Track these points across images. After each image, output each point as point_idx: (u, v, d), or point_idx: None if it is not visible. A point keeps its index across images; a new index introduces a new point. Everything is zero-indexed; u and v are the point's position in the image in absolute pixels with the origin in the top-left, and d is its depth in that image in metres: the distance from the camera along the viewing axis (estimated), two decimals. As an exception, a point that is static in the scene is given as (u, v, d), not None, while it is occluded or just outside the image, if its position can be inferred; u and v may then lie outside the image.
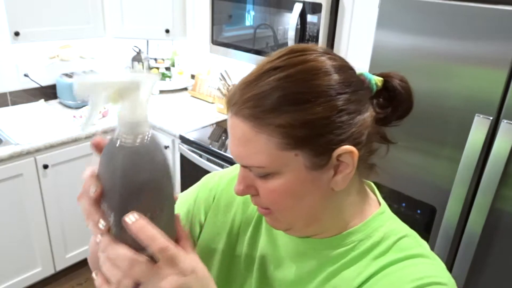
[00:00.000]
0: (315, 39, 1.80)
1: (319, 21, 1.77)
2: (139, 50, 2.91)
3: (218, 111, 2.53)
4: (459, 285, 1.28)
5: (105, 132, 2.28)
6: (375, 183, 0.67)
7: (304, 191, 0.55)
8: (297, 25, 1.80)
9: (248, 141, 0.53)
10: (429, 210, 1.31)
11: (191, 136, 2.18)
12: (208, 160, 2.06)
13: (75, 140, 2.17)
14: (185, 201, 0.76)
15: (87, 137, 2.21)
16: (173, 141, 2.30)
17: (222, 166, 1.99)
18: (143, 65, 2.93)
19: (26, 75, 2.47)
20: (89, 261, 0.65)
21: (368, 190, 0.65)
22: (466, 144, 1.18)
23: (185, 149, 2.18)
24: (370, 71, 0.58)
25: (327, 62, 0.53)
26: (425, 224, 1.34)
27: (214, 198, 0.75)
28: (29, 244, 2.16)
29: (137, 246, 0.45)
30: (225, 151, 2.02)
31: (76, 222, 2.34)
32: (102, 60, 2.82)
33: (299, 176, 0.53)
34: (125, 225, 0.44)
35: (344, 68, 0.55)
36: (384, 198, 0.66)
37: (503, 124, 1.12)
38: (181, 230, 0.51)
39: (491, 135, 1.16)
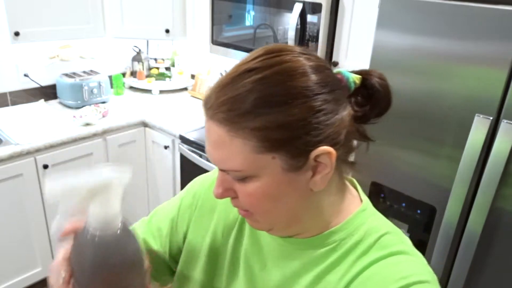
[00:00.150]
0: (315, 39, 1.80)
1: (319, 21, 1.77)
2: (139, 50, 2.91)
3: (218, 111, 2.52)
4: (459, 285, 1.28)
5: (104, 132, 2.28)
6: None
7: (283, 193, 0.55)
8: (297, 25, 1.80)
9: (224, 145, 0.52)
10: (429, 210, 1.31)
11: (191, 136, 2.18)
12: (208, 160, 2.06)
13: (75, 140, 2.17)
14: (169, 211, 0.78)
15: (87, 137, 2.21)
16: (173, 141, 2.31)
17: (222, 166, 1.98)
18: (143, 65, 2.93)
19: (26, 75, 2.47)
20: None
21: (350, 187, 0.65)
22: (466, 144, 1.18)
23: (185, 149, 2.18)
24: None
25: (303, 63, 0.53)
26: (425, 224, 1.34)
27: (197, 203, 0.75)
28: (29, 244, 2.16)
29: None
30: (225, 151, 2.02)
31: (76, 222, 2.34)
32: (102, 60, 2.83)
33: (277, 178, 0.53)
34: None
35: (321, 68, 0.54)
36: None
37: (503, 124, 1.12)
38: None
39: (491, 135, 1.16)
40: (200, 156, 2.11)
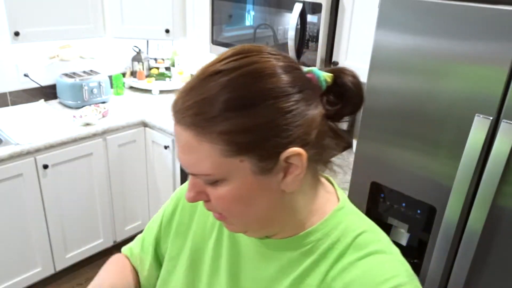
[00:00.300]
0: (315, 39, 1.80)
1: (319, 21, 1.77)
2: (139, 50, 2.91)
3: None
4: (459, 285, 1.28)
5: (104, 132, 2.28)
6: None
7: (254, 196, 0.54)
8: (297, 25, 1.80)
9: (192, 150, 0.52)
10: (429, 210, 1.31)
11: (191, 136, 2.18)
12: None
13: (75, 140, 2.17)
14: (153, 226, 0.80)
15: (87, 137, 2.21)
16: (173, 141, 2.31)
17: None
18: (143, 65, 2.93)
19: (26, 75, 2.47)
20: None
21: (328, 185, 0.65)
22: (466, 144, 1.18)
23: (185, 149, 2.18)
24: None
25: (272, 63, 0.52)
26: (425, 224, 1.34)
27: (178, 210, 0.76)
28: (29, 244, 2.16)
29: None
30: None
31: (76, 222, 2.34)
32: (102, 60, 2.83)
33: (247, 181, 0.53)
34: None
35: (290, 68, 0.53)
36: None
37: (503, 124, 1.12)
38: None
39: (491, 135, 1.16)
40: (200, 156, 2.10)
